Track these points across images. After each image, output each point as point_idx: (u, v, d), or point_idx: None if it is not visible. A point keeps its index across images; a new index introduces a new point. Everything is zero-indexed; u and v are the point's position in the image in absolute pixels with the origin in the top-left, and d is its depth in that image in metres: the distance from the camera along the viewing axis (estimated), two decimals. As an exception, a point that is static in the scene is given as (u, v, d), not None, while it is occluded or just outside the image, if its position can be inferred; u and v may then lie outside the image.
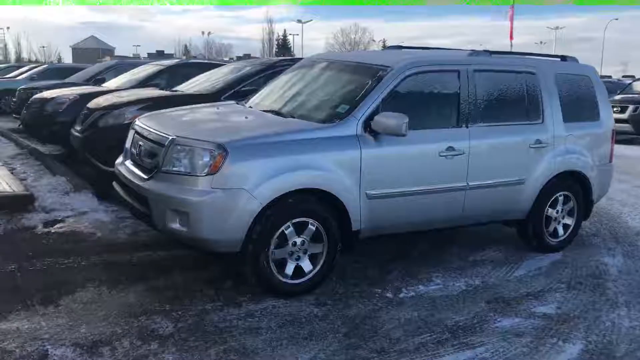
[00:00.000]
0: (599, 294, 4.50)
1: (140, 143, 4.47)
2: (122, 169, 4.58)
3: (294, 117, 4.52)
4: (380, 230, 4.48)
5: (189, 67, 9.66)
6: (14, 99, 12.70)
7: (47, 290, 4.05)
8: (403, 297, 4.27)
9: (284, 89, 5.22)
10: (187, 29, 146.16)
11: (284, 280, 4.08)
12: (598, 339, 3.76)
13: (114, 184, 4.71)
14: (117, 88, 9.03)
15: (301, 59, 6.27)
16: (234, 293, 4.15)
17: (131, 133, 4.75)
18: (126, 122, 6.05)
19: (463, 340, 3.66)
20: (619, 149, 8.72)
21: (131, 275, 4.39)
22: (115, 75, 11.09)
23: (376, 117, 4.21)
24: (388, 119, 4.14)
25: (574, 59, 5.72)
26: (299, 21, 71.20)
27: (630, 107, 14.51)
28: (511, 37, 35.53)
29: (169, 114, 5.04)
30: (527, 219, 5.22)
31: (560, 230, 5.45)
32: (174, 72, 9.44)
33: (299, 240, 4.09)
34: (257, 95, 5.44)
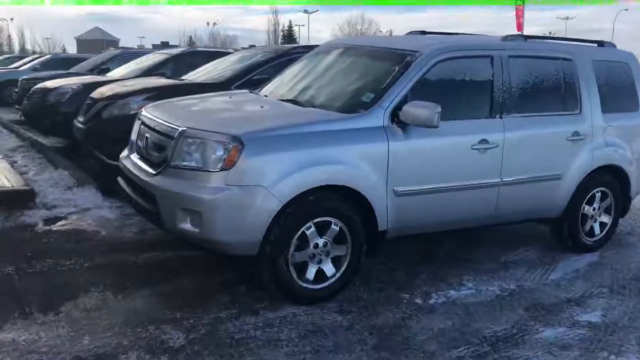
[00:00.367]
0: (646, 299, 4.14)
1: (147, 135, 4.11)
2: (127, 163, 4.23)
3: (314, 107, 4.15)
4: (408, 230, 4.12)
5: (196, 56, 9.28)
6: (16, 90, 12.37)
7: (47, 296, 3.72)
8: (434, 304, 3.91)
9: (301, 77, 4.83)
10: (191, 20, 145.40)
11: (305, 285, 3.73)
12: (653, 352, 3.41)
13: (119, 179, 4.36)
14: (122, 77, 8.67)
15: (315, 46, 5.88)
16: (249, 299, 3.81)
17: (137, 124, 4.40)
18: (131, 112, 5.69)
19: (505, 354, 3.31)
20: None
21: (138, 278, 4.05)
22: (120, 65, 10.73)
23: (405, 107, 3.83)
24: (418, 109, 3.77)
25: (611, 45, 5.33)
26: (306, 11, 70.63)
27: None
28: (519, 29, 34.95)
29: (177, 103, 4.68)
30: (562, 217, 4.85)
31: (597, 229, 5.08)
32: (180, 61, 9.06)
33: (321, 241, 3.74)
34: (272, 83, 5.06)
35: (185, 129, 3.68)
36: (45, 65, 16.17)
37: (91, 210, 5.45)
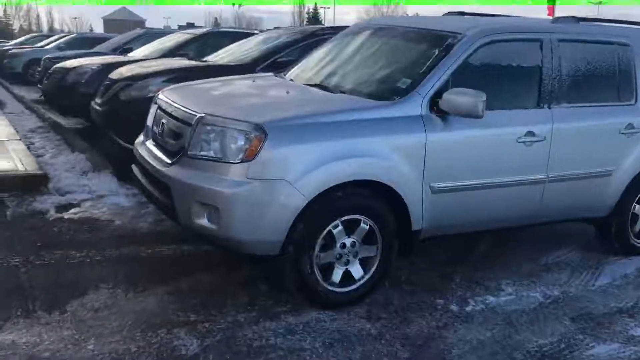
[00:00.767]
0: None
1: (164, 121, 3.81)
2: (142, 150, 3.94)
3: (343, 92, 3.80)
4: (444, 229, 3.77)
5: (220, 37, 8.94)
6: (39, 69, 12.21)
7: (53, 292, 3.47)
8: (471, 311, 3.57)
9: (329, 59, 4.47)
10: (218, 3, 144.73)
11: (330, 288, 3.41)
12: None
13: (133, 167, 4.08)
14: (144, 58, 8.39)
15: (344, 27, 5.50)
16: (270, 301, 3.51)
17: (153, 108, 4.10)
18: (150, 94, 5.39)
19: (553, 374, 2.97)
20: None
21: (151, 274, 3.78)
22: (143, 45, 10.46)
23: (445, 95, 3.46)
24: (461, 97, 3.40)
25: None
26: (331, -7, 69.62)
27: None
28: (551, 14, 33.93)
29: (197, 86, 4.36)
30: (610, 216, 4.45)
31: (648, 230, 4.67)
32: (204, 41, 8.77)
33: (348, 241, 3.41)
34: (298, 66, 4.71)
35: (203, 115, 3.37)
36: (69, 45, 16.04)
37: (106, 197, 5.20)
